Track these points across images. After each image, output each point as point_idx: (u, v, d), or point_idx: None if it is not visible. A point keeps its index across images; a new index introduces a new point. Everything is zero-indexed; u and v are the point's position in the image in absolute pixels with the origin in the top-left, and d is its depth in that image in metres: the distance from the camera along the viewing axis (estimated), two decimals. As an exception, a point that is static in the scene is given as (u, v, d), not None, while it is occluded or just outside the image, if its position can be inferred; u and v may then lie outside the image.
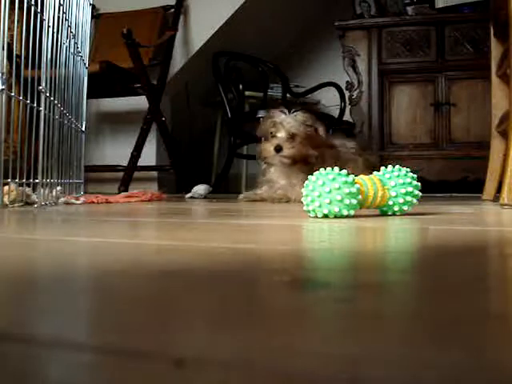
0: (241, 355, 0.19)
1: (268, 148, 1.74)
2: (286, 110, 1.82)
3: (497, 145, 1.96)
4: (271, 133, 1.75)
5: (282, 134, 1.74)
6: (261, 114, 2.83)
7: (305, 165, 1.73)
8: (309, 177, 0.96)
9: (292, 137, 1.73)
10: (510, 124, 1.38)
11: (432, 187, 3.02)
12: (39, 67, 1.46)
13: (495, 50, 1.94)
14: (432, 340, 0.21)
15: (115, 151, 3.16)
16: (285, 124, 1.74)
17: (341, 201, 0.91)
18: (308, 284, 0.32)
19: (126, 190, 2.56)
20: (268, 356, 0.19)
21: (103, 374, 0.18)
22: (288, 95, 3.30)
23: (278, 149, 1.70)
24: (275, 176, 1.76)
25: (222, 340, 0.21)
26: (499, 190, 1.55)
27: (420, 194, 1.02)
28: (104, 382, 0.17)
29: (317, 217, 0.94)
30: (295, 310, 0.26)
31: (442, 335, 0.22)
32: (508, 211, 1.21)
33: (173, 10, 3.08)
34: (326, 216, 0.93)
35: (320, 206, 0.93)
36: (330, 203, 0.91)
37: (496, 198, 1.85)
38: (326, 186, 0.92)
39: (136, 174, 2.84)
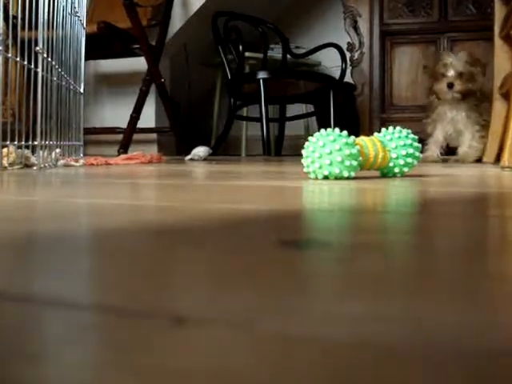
0: (242, 314, 0.19)
1: (441, 86, 2.02)
2: (450, 53, 2.19)
3: (499, 107, 1.95)
4: (442, 73, 2.04)
5: (451, 73, 2.02)
6: (261, 75, 2.80)
7: (472, 101, 2.06)
8: (309, 138, 0.96)
9: (460, 75, 2.02)
10: (513, 85, 1.37)
11: (432, 149, 3.01)
12: (36, 28, 1.44)
13: (499, 10, 1.91)
14: (434, 298, 0.21)
15: (114, 113, 3.14)
16: (454, 64, 2.03)
17: (341, 162, 0.91)
18: (308, 244, 0.32)
19: (126, 153, 2.55)
20: (269, 315, 0.19)
21: (102, 334, 0.17)
22: (288, 56, 3.27)
23: (450, 85, 2.00)
24: (447, 109, 2.06)
25: (222, 299, 0.21)
26: (500, 152, 1.55)
27: (421, 155, 1.02)
28: (103, 341, 0.17)
29: (317, 178, 0.94)
30: (295, 269, 0.26)
31: (444, 294, 0.21)
32: (508, 174, 1.20)
33: (172, -32, 3.02)
34: (326, 177, 0.93)
35: (320, 168, 0.92)
36: (330, 164, 0.91)
37: (497, 161, 1.85)
38: (327, 148, 0.91)
39: (135, 137, 2.82)
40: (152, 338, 0.17)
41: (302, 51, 3.41)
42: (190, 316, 0.19)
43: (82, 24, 1.95)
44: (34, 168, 1.33)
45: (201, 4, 3.10)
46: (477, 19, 3.00)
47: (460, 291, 0.22)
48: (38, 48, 1.40)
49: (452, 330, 0.17)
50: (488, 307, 0.20)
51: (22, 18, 1.41)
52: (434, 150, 2.10)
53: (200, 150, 2.21)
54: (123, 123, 2.80)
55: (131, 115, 2.75)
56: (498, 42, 1.94)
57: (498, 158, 1.74)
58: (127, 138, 2.74)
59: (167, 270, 0.26)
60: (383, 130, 1.03)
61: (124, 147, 2.70)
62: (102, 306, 0.20)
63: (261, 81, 2.78)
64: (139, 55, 2.76)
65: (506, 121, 1.53)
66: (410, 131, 1.03)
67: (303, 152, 0.96)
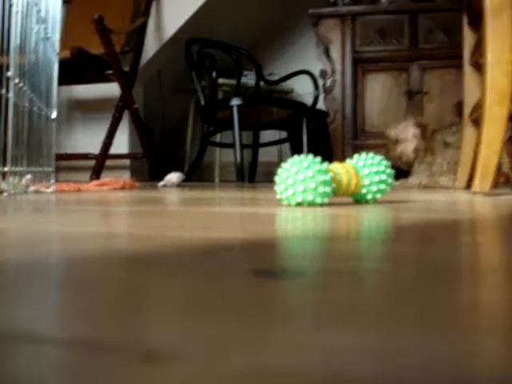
0: (214, 348, 0.18)
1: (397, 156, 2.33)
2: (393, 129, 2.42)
3: (469, 133, 1.98)
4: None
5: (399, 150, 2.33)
6: (234, 101, 2.81)
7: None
8: (282, 164, 0.96)
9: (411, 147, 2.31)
10: (482, 112, 1.39)
11: (405, 175, 3.04)
12: (8, 53, 1.43)
13: (468, 38, 1.95)
14: (408, 328, 0.20)
15: (87, 139, 3.12)
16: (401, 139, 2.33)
17: (315, 189, 0.91)
18: (283, 272, 0.32)
19: (98, 179, 2.53)
20: (243, 349, 0.18)
21: (70, 369, 0.17)
22: (261, 83, 3.29)
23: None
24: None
25: (193, 332, 0.20)
26: (471, 177, 1.57)
27: (394, 182, 1.03)
28: (71, 376, 0.16)
29: (290, 205, 0.93)
30: (270, 299, 0.25)
31: (419, 324, 0.21)
32: (480, 199, 1.21)
33: (145, -5, 3.03)
34: (299, 204, 0.93)
35: (294, 194, 0.92)
36: (303, 191, 0.91)
37: (468, 186, 1.87)
38: (300, 174, 0.91)
39: (108, 163, 2.81)
40: (122, 374, 0.16)
41: (275, 78, 3.44)
42: (162, 350, 0.18)
43: (55, 49, 1.94)
44: (4, 194, 1.31)
45: (174, 31, 3.12)
46: (447, 47, 3.06)
47: (434, 321, 0.22)
48: (9, 73, 1.39)
49: (426, 360, 0.17)
50: (461, 336, 0.20)
51: (-7, 43, 1.40)
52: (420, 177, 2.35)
53: (173, 176, 2.20)
54: (96, 149, 2.78)
55: (104, 141, 2.74)
56: (467, 69, 1.97)
57: (469, 184, 1.76)
58: (100, 163, 2.73)
59: (138, 301, 0.25)
60: (356, 156, 1.03)
61: (96, 173, 2.69)
62: (71, 340, 0.19)
63: (234, 107, 2.79)
64: (112, 81, 2.75)
65: (477, 147, 1.56)
66: (382, 157, 1.04)
67: (276, 178, 0.95)
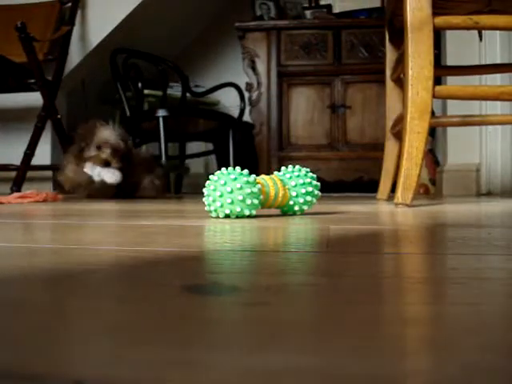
0: (148, 373, 0.18)
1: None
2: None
3: (391, 146, 2.03)
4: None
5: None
6: (160, 113, 2.79)
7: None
8: (210, 176, 0.95)
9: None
10: (404, 126, 1.43)
11: (329, 187, 3.10)
12: None
13: (390, 54, 2.00)
14: (349, 348, 0.20)
15: (7, 149, 3.02)
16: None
17: (242, 201, 0.91)
18: (216, 288, 0.31)
19: (19, 191, 2.45)
20: (180, 372, 0.18)
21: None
22: (188, 95, 3.28)
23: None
24: None
25: (125, 355, 0.19)
26: (393, 189, 1.61)
27: (319, 193, 1.04)
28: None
29: (218, 217, 0.93)
30: (205, 318, 0.25)
31: (359, 342, 0.21)
32: (402, 210, 1.25)
33: (70, 4, 2.97)
34: (227, 216, 0.92)
35: (222, 206, 0.92)
36: (231, 203, 0.91)
37: (390, 198, 1.92)
38: (228, 186, 0.91)
39: (30, 174, 2.72)
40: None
41: (201, 90, 3.44)
42: (90, 378, 0.17)
43: (-27, 57, 1.87)
44: None
45: (100, 40, 3.07)
46: (369, 62, 3.15)
47: (373, 338, 0.22)
48: None
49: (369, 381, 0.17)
50: (394, 353, 0.20)
51: None
52: None
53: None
54: (17, 160, 2.69)
55: (25, 152, 2.66)
56: (389, 84, 2.03)
57: (390, 195, 1.80)
58: (21, 175, 2.64)
59: (61, 325, 0.24)
60: (283, 168, 1.04)
61: (17, 185, 2.60)
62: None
63: (160, 119, 2.76)
64: (35, 90, 2.68)
65: (399, 159, 1.60)
66: (308, 170, 1.05)
67: (204, 190, 0.95)
